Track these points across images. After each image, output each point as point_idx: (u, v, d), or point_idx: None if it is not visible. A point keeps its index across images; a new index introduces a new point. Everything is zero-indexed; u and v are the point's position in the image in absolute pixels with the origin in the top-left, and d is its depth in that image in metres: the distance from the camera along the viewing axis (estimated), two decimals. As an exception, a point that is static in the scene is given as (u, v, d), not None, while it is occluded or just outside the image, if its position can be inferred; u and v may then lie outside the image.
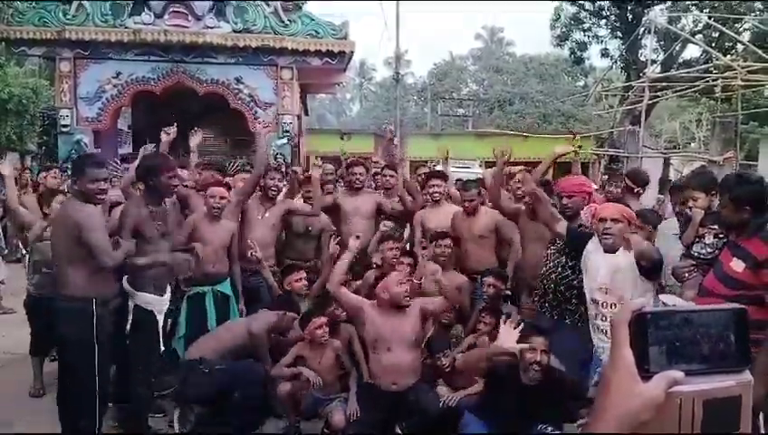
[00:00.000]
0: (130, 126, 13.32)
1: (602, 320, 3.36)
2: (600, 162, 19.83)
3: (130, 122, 13.18)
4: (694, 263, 3.22)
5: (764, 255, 2.88)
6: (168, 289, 4.12)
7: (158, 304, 3.99)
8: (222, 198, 4.59)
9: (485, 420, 3.49)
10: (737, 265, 2.95)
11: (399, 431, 4.10)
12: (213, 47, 9.83)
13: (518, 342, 3.46)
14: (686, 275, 3.19)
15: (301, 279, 4.68)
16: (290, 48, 9.97)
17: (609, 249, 3.37)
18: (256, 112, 10.15)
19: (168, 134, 4.98)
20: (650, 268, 3.29)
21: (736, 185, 3.03)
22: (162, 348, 4.05)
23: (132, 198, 4.15)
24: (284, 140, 9.98)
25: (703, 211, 3.35)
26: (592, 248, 3.49)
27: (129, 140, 13.67)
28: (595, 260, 3.43)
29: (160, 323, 3.99)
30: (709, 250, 3.25)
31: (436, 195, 5.23)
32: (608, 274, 3.35)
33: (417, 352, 4.06)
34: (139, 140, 12.35)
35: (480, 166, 16.24)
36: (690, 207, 3.40)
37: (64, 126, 9.98)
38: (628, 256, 3.35)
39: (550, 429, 3.39)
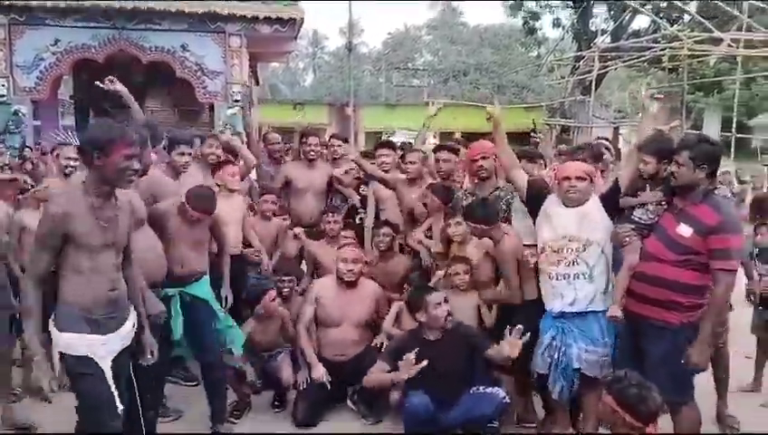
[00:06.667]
0: (72, 96, 12.78)
1: (566, 265, 3.36)
2: (552, 132, 20.07)
3: (72, 92, 12.65)
4: (633, 227, 3.25)
5: (714, 222, 2.96)
6: (130, 319, 2.79)
7: (96, 346, 2.61)
8: None
9: (422, 389, 3.52)
10: (684, 231, 3.02)
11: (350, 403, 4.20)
12: (156, 13, 9.41)
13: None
14: (627, 239, 3.22)
15: None
16: (238, 15, 9.63)
17: (575, 204, 3.40)
18: (204, 82, 9.84)
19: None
20: (614, 202, 3.35)
21: (698, 143, 3.07)
22: (120, 407, 2.64)
23: (67, 188, 3.28)
24: (234, 110, 9.71)
25: (659, 192, 3.26)
26: (552, 203, 3.51)
27: (71, 110, 13.14)
28: (558, 213, 3.44)
29: (107, 373, 2.61)
30: (651, 216, 3.25)
31: (385, 165, 5.03)
32: (574, 223, 3.37)
33: (367, 330, 4.28)
34: (82, 110, 11.92)
35: (434, 137, 16.21)
36: (641, 173, 3.31)
37: (1, 96, 9.47)
38: (593, 201, 3.40)
39: (482, 387, 3.55)
